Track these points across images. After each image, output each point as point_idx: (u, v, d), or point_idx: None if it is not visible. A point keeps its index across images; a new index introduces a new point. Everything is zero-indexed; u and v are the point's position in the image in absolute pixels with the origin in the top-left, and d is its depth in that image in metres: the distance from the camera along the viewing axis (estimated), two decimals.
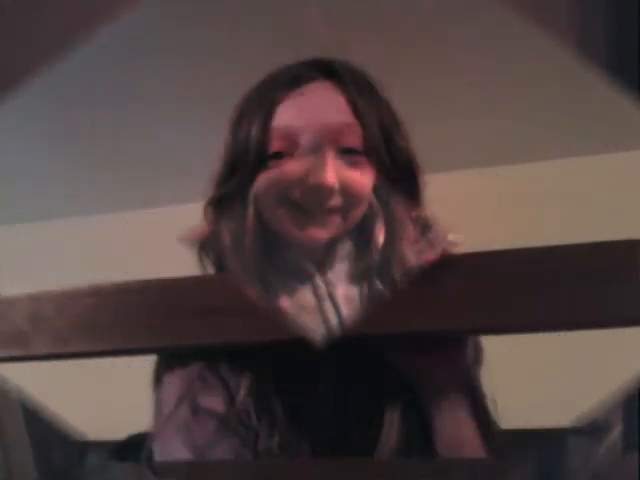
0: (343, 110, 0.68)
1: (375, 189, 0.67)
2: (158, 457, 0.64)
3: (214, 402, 0.65)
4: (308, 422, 0.67)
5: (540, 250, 0.55)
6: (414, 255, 0.56)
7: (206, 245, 0.73)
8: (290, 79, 0.70)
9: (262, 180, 0.67)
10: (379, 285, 0.65)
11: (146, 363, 0.70)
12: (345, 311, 0.65)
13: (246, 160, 0.68)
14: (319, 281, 0.67)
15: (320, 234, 0.65)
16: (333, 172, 0.64)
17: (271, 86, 0.70)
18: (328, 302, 0.66)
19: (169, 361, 0.68)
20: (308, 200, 0.64)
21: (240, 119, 0.71)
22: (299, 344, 0.62)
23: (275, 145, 0.67)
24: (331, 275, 0.67)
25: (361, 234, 0.69)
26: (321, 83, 0.69)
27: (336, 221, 0.66)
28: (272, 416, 0.64)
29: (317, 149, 0.65)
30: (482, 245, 0.57)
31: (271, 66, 0.73)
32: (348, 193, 0.65)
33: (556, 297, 0.53)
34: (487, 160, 2.07)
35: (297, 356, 0.67)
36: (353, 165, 0.67)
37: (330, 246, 0.68)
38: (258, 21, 1.51)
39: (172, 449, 0.63)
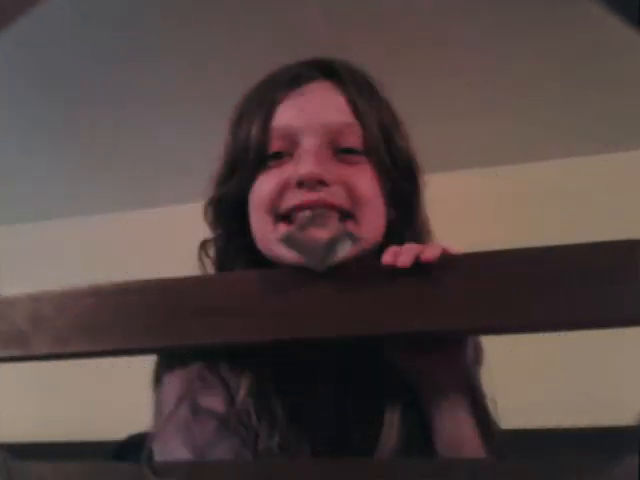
0: (343, 110, 0.68)
1: None
2: (158, 457, 0.64)
3: (214, 402, 0.65)
4: (308, 422, 0.67)
5: (540, 250, 0.55)
6: (413, 255, 0.56)
7: (206, 245, 0.73)
8: (290, 79, 0.70)
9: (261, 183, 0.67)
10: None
11: (146, 363, 0.70)
12: None
13: (246, 160, 0.68)
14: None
15: (320, 234, 0.65)
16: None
17: (271, 86, 0.70)
18: None
19: (169, 361, 0.68)
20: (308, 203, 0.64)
21: (240, 119, 0.71)
22: (299, 344, 0.62)
23: (275, 145, 0.67)
24: None
25: None
26: (321, 83, 0.69)
27: (336, 221, 0.66)
28: (272, 416, 0.64)
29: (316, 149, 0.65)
30: (482, 245, 0.57)
31: (271, 66, 0.73)
32: (349, 193, 0.65)
33: (556, 297, 0.53)
34: (487, 160, 2.07)
35: (297, 356, 0.67)
36: (353, 165, 0.67)
37: (330, 246, 0.68)
38: (258, 21, 1.51)
39: (172, 449, 0.63)
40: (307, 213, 0.64)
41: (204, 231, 0.74)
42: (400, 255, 0.57)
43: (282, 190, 0.65)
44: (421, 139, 0.73)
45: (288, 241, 0.60)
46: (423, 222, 0.73)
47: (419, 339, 0.63)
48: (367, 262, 0.62)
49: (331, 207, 0.64)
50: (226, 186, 0.71)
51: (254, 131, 0.68)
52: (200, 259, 0.73)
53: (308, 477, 0.57)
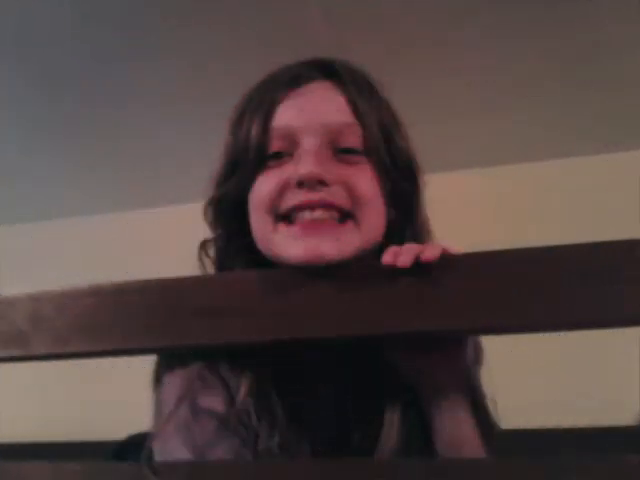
0: (343, 110, 0.68)
1: None
2: (158, 457, 0.64)
3: (214, 402, 0.65)
4: (308, 422, 0.67)
5: (540, 250, 0.55)
6: (413, 255, 0.56)
7: (206, 245, 0.73)
8: (290, 79, 0.70)
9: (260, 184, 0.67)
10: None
11: (146, 363, 0.70)
12: None
13: (246, 160, 0.68)
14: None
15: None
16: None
17: (271, 86, 0.70)
18: None
19: (169, 361, 0.68)
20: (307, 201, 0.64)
21: (240, 119, 0.71)
22: (299, 344, 0.62)
23: (275, 145, 0.67)
24: None
25: None
26: (321, 83, 0.69)
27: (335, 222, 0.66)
28: (272, 416, 0.64)
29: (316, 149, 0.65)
30: (482, 245, 0.57)
31: (271, 66, 0.73)
32: (349, 193, 0.65)
33: (556, 297, 0.53)
34: (487, 160, 2.07)
35: (297, 356, 0.67)
36: (353, 165, 0.67)
37: None
38: (258, 21, 1.51)
39: (172, 449, 0.63)
40: (307, 213, 0.64)
41: (204, 231, 0.74)
42: (400, 255, 0.57)
43: (282, 190, 0.65)
44: (421, 139, 0.73)
45: None
46: (423, 222, 0.73)
47: (419, 339, 0.63)
48: (367, 262, 0.62)
49: (331, 207, 0.64)
50: (226, 186, 0.71)
51: (254, 131, 0.68)
52: (200, 259, 0.73)
53: (308, 477, 0.57)
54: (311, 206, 0.64)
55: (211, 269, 0.72)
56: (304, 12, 1.48)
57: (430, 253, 0.56)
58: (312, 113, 0.67)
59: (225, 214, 0.72)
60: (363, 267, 0.60)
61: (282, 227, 0.65)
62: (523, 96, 1.80)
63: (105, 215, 2.46)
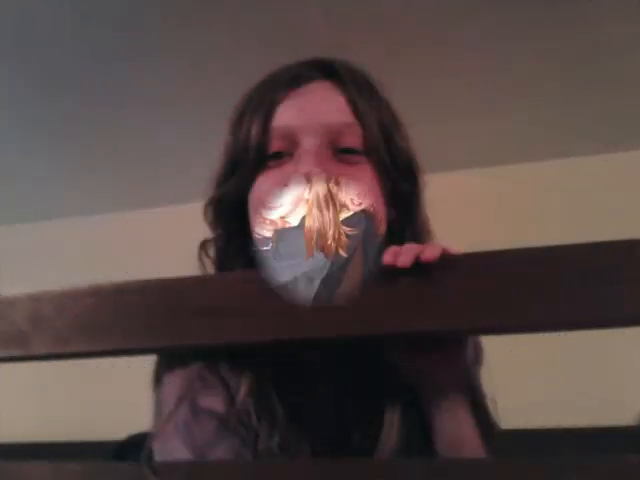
0: (343, 110, 0.68)
1: None
2: (158, 457, 0.64)
3: (214, 402, 0.65)
4: (308, 422, 0.67)
5: (540, 250, 0.55)
6: (413, 255, 0.56)
7: (206, 245, 0.73)
8: (290, 79, 0.70)
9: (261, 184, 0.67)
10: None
11: (146, 363, 0.70)
12: None
13: (246, 160, 0.68)
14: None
15: None
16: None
17: (271, 86, 0.70)
18: None
19: (169, 361, 0.68)
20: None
21: (240, 119, 0.71)
22: (299, 344, 0.62)
23: (275, 145, 0.67)
24: None
25: None
26: (321, 83, 0.69)
27: None
28: (272, 416, 0.64)
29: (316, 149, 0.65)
30: (482, 245, 0.56)
31: (271, 66, 0.73)
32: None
33: (556, 297, 0.53)
34: (487, 160, 2.07)
35: (297, 356, 0.67)
36: (353, 165, 0.67)
37: None
38: (258, 21, 1.51)
39: (172, 449, 0.63)
40: None
41: (204, 231, 0.74)
42: (400, 255, 0.56)
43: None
44: (421, 139, 0.73)
45: None
46: (423, 222, 0.73)
47: (419, 339, 0.63)
48: None
49: None
50: (226, 186, 0.71)
51: (254, 131, 0.68)
52: (200, 259, 0.73)
53: (308, 477, 0.57)
54: None
55: (211, 269, 0.72)
56: (304, 12, 1.48)
57: (430, 253, 0.56)
58: (312, 113, 0.67)
59: (225, 214, 0.72)
60: None
61: None
62: (523, 96, 1.80)
63: (105, 215, 2.46)
